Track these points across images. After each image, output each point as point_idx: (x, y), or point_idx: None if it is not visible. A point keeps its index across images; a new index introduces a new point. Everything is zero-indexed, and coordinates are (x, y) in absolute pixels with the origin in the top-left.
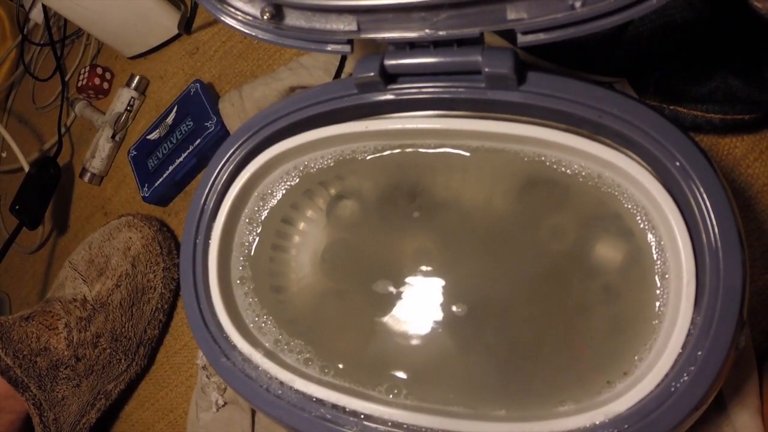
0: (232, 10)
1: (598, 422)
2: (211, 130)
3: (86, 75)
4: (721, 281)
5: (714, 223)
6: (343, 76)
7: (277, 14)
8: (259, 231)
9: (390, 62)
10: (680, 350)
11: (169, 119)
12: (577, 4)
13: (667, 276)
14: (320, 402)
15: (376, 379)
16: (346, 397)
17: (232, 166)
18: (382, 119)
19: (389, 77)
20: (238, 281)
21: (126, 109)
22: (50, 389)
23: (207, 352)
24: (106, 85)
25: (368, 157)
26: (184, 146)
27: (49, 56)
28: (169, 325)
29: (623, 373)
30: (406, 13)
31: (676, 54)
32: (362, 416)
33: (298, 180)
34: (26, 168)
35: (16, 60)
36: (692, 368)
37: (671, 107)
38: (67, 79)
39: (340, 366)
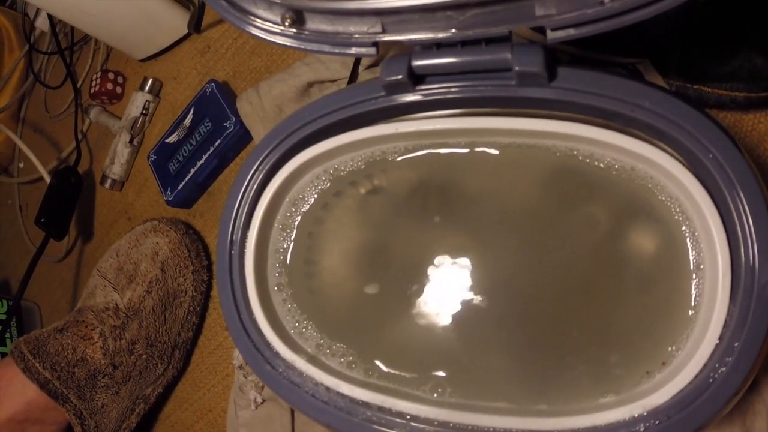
0: (252, 18)
1: (637, 414)
2: (230, 130)
3: (98, 80)
4: (756, 273)
5: (748, 214)
6: (360, 68)
7: (298, 19)
8: (293, 237)
9: (417, 63)
10: (717, 341)
11: (187, 121)
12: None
13: (702, 267)
14: (366, 405)
15: (420, 378)
16: (392, 399)
17: (262, 175)
18: (412, 120)
19: (417, 78)
20: (276, 288)
21: (141, 113)
22: (90, 398)
23: (250, 360)
24: (119, 90)
25: (399, 158)
26: (205, 147)
27: (59, 64)
28: (202, 327)
29: (662, 364)
30: (431, 12)
31: (699, 33)
32: (408, 417)
33: (329, 184)
34: (46, 178)
35: (25, 69)
36: (729, 359)
37: (695, 86)
38: (78, 85)
39: (384, 368)
